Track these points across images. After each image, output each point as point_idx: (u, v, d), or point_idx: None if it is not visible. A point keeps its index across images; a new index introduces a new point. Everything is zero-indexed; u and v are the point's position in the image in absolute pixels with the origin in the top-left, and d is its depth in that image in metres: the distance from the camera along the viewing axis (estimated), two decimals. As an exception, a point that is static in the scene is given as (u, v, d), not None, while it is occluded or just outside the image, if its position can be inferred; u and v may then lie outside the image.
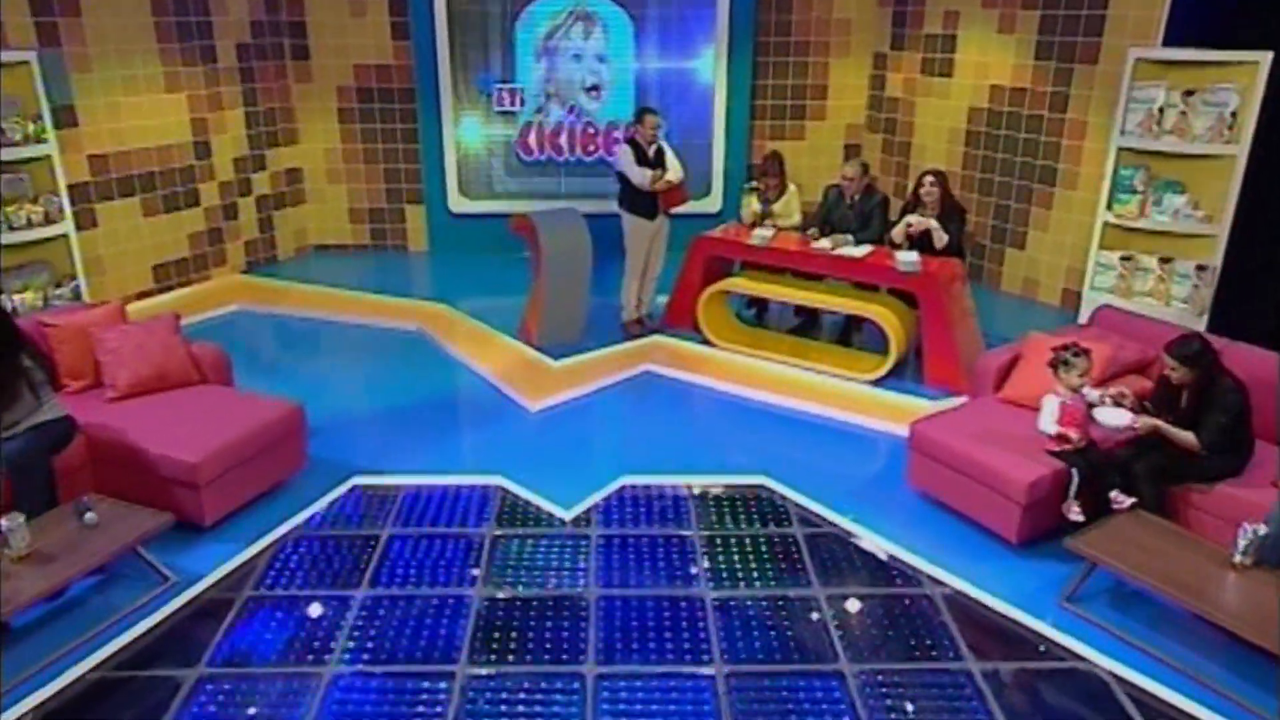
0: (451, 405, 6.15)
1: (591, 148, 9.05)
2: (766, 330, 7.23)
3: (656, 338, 7.01)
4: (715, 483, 5.13)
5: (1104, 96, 7.17)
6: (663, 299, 7.31)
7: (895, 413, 5.87)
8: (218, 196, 8.21)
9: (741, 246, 6.81)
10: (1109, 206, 6.94)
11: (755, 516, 4.82)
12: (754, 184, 7.04)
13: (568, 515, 4.79)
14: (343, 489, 4.99)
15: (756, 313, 7.50)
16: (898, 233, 6.47)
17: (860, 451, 5.66)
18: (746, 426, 5.88)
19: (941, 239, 6.33)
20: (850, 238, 6.58)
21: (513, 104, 8.85)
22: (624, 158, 6.69)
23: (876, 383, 6.26)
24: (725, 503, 4.95)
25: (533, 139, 8.98)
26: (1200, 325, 6.34)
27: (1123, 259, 6.96)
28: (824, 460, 5.49)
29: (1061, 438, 4.36)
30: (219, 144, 8.12)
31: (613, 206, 6.94)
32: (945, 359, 6.09)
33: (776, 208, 7.07)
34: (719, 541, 4.59)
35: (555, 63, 8.83)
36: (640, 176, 6.63)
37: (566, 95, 8.92)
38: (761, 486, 5.10)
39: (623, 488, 5.07)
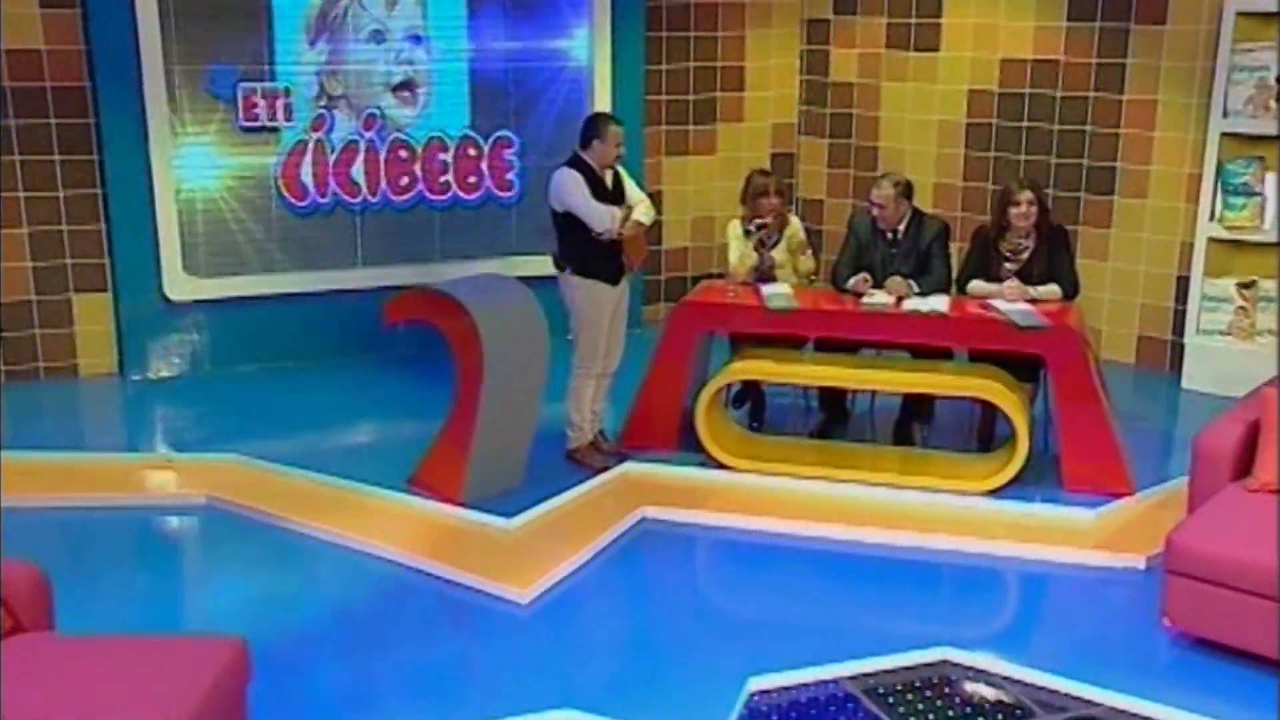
0: (384, 614, 5.86)
1: (406, 180, 9.07)
2: (779, 437, 7.63)
3: (628, 466, 7.18)
4: (878, 668, 5.33)
5: (1179, 67, 8.41)
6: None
7: (1044, 534, 6.41)
8: None
9: (756, 313, 7.17)
10: (1213, 216, 8.14)
11: (969, 708, 5.08)
12: (760, 220, 7.42)
13: (712, 753, 4.82)
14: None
15: (752, 410, 7.88)
16: (981, 286, 7.16)
17: (1037, 592, 6.13)
18: (852, 582, 6.18)
19: (1053, 293, 7.11)
20: (914, 284, 7.18)
21: (271, 115, 8.74)
22: (573, 189, 6.75)
23: (992, 493, 6.83)
24: (912, 694, 5.17)
25: (307, 171, 8.88)
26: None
27: (1241, 287, 8.15)
28: (999, 612, 5.94)
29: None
30: None
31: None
32: (1096, 449, 6.76)
33: (778, 253, 7.52)
34: (951, 752, 4.83)
35: (341, 46, 8.84)
36: (605, 218, 6.77)
37: (361, 98, 8.94)
38: (945, 663, 5.38)
39: (754, 695, 5.14)
